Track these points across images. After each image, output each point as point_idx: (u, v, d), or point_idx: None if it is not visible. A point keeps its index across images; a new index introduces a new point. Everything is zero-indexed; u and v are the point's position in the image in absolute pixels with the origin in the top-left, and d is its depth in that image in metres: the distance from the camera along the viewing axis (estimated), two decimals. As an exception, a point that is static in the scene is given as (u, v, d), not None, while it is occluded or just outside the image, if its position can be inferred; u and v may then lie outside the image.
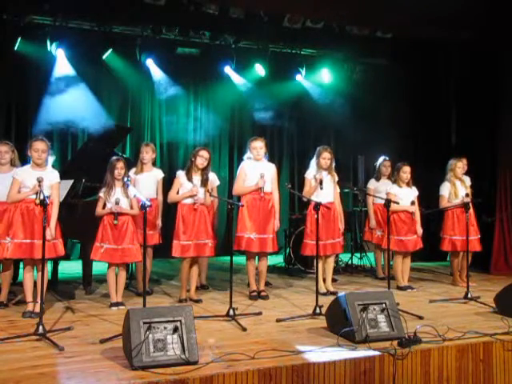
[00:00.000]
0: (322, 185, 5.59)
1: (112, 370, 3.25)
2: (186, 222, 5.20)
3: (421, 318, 4.61)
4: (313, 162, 5.84)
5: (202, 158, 5.29)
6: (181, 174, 5.33)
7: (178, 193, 5.32)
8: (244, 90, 9.63)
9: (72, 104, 8.41)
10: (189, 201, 5.25)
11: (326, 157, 5.77)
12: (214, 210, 6.10)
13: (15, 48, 7.91)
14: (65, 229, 4.85)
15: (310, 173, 5.80)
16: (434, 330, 3.97)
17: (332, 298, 4.58)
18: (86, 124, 8.74)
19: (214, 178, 6.10)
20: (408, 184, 6.10)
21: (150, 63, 8.86)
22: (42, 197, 4.21)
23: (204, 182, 5.32)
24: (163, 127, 9.45)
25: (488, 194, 7.43)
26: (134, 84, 9.08)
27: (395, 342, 3.73)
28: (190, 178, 5.28)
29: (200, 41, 8.87)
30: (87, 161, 6.24)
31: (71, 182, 5.75)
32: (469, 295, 5.39)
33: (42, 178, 4.49)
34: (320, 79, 9.81)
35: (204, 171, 5.34)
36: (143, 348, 3.26)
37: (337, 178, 5.91)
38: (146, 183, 5.66)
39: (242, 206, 5.23)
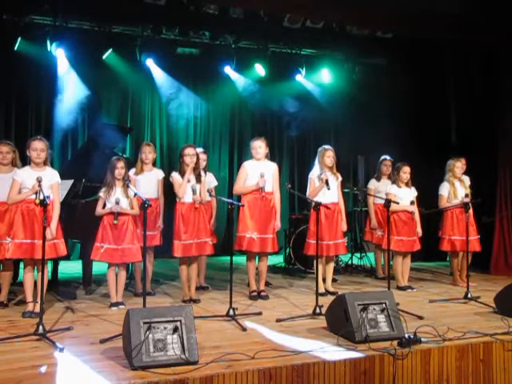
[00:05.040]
0: (329, 185, 5.60)
1: (112, 369, 3.25)
2: (186, 222, 5.20)
3: (421, 318, 4.61)
4: (316, 163, 5.84)
5: (189, 156, 5.27)
6: (175, 175, 5.32)
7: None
8: (244, 90, 9.64)
9: (72, 104, 8.44)
10: (188, 200, 5.25)
11: (331, 155, 5.78)
12: (213, 211, 6.10)
13: (15, 48, 7.92)
14: (65, 229, 4.84)
15: (314, 173, 5.80)
16: (434, 330, 3.97)
17: (332, 298, 4.59)
18: (86, 124, 8.79)
19: (211, 179, 6.12)
20: (407, 184, 6.10)
21: (150, 63, 8.88)
22: (41, 197, 4.21)
23: (198, 177, 5.32)
24: (163, 127, 9.46)
25: (488, 193, 7.43)
26: (134, 84, 9.09)
27: (395, 342, 3.73)
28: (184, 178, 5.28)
29: (200, 41, 8.88)
30: (87, 161, 6.24)
31: (71, 181, 5.76)
32: (469, 295, 5.39)
33: (42, 178, 4.49)
34: (320, 79, 9.82)
35: (195, 167, 5.34)
36: (143, 348, 3.26)
37: (340, 178, 5.92)
38: (146, 183, 5.65)
39: (243, 205, 5.23)
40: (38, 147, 4.64)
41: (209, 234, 5.34)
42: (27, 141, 4.75)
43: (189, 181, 5.27)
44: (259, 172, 5.45)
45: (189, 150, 5.31)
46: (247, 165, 5.58)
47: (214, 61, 9.15)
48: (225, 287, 5.73)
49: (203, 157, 5.88)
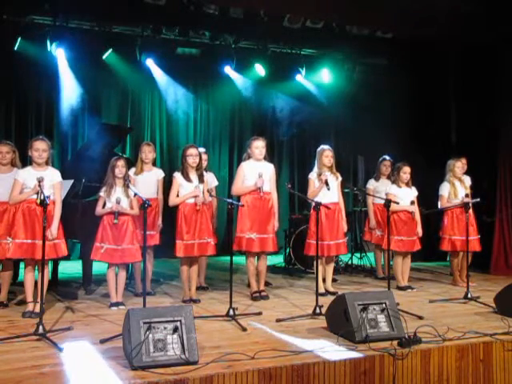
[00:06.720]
0: (329, 185, 5.60)
1: (112, 369, 3.25)
2: (189, 222, 5.21)
3: (421, 318, 4.61)
4: (316, 163, 5.85)
5: (192, 156, 5.29)
6: (178, 175, 5.33)
7: (177, 195, 5.32)
8: (244, 90, 9.64)
9: (72, 104, 8.45)
10: (191, 200, 5.26)
11: (329, 155, 5.78)
12: (213, 210, 6.10)
13: (15, 48, 7.92)
14: (65, 229, 4.85)
15: (314, 173, 5.80)
16: (434, 330, 3.97)
17: (332, 298, 4.59)
18: (86, 124, 8.79)
19: (212, 179, 6.12)
20: (407, 184, 6.10)
21: (150, 63, 8.87)
22: (42, 197, 4.21)
23: (200, 178, 5.33)
24: (163, 127, 9.47)
25: (488, 193, 7.43)
26: (134, 84, 9.09)
27: (395, 342, 3.73)
28: (187, 178, 5.29)
29: (200, 41, 8.87)
30: (87, 161, 6.24)
31: (71, 181, 5.76)
32: (469, 295, 5.39)
33: (43, 178, 4.49)
34: (320, 79, 9.81)
35: (198, 168, 5.35)
36: (143, 348, 3.26)
37: (340, 178, 5.92)
38: (146, 183, 5.65)
39: (242, 205, 5.24)
40: (39, 147, 4.64)
41: (211, 235, 5.35)
42: (28, 141, 4.76)
43: (191, 181, 5.28)
44: (257, 172, 5.44)
45: (191, 151, 5.32)
46: (245, 165, 5.58)
47: (214, 61, 9.14)
48: (225, 287, 5.73)
49: (204, 157, 5.89)
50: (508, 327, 4.17)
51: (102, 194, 5.05)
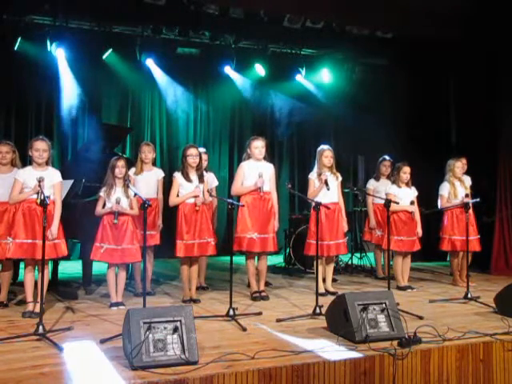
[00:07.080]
0: (329, 185, 5.60)
1: (112, 369, 3.25)
2: (189, 222, 5.21)
3: (421, 318, 4.61)
4: (316, 163, 5.85)
5: (192, 156, 5.30)
6: (178, 175, 5.33)
7: (177, 195, 5.33)
8: (244, 90, 9.65)
9: (72, 104, 8.45)
10: (191, 200, 5.26)
11: (329, 155, 5.78)
12: (213, 210, 6.11)
13: (15, 48, 7.92)
14: (65, 229, 4.85)
15: (314, 174, 5.81)
16: (434, 330, 3.97)
17: (332, 298, 4.59)
18: (86, 124, 8.79)
19: (212, 179, 6.12)
20: (407, 184, 6.10)
21: (150, 63, 8.88)
22: (42, 197, 4.21)
23: (200, 178, 5.33)
24: (163, 127, 9.47)
25: (488, 193, 7.43)
26: (134, 84, 9.10)
27: (395, 342, 3.73)
28: (187, 178, 5.29)
29: (200, 41, 8.87)
30: (87, 161, 6.24)
31: (71, 181, 5.76)
32: (469, 295, 5.39)
33: (43, 178, 4.49)
34: (320, 79, 9.81)
35: (198, 167, 5.35)
36: (143, 348, 3.26)
37: (340, 178, 5.92)
38: (146, 183, 5.66)
39: (243, 206, 5.24)
40: (40, 147, 4.65)
41: (211, 234, 5.35)
42: (28, 141, 4.76)
43: (191, 181, 5.29)
44: (257, 172, 5.44)
45: (192, 151, 5.32)
46: (245, 165, 5.57)
47: (214, 61, 9.14)
48: (225, 287, 5.73)
49: (204, 157, 5.89)
50: (508, 327, 4.17)
51: (101, 194, 5.05)
